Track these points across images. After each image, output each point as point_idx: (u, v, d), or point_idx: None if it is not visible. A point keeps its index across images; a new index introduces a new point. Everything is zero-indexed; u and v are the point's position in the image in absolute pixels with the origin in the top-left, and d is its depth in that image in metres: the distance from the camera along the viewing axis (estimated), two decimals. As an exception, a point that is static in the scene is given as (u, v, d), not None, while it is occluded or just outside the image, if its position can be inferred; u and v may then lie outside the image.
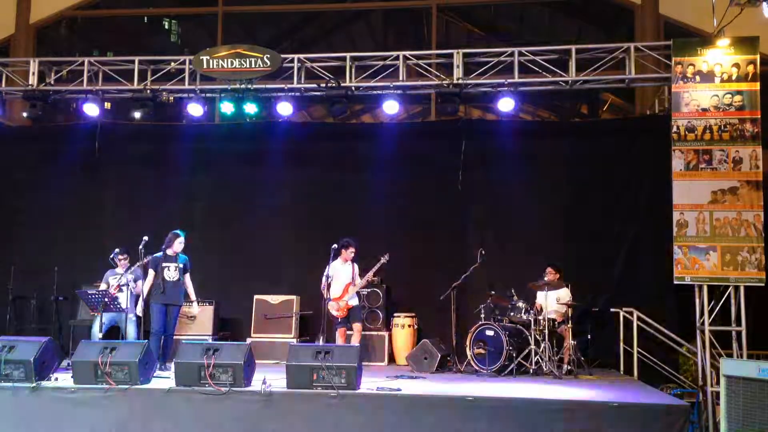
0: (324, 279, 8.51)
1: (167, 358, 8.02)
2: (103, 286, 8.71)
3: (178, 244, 8.30)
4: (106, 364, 6.75)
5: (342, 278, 8.68)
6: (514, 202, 10.12)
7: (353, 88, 9.46)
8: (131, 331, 8.51)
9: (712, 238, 8.33)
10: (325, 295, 8.54)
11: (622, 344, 8.91)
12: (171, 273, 8.21)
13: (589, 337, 8.90)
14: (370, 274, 8.83)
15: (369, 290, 9.66)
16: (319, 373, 6.62)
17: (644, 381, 8.28)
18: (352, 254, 8.74)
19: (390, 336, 9.71)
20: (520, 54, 9.10)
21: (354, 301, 8.76)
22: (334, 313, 8.60)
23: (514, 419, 6.37)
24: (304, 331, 9.95)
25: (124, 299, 8.40)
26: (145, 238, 8.09)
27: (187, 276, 8.40)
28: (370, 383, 7.09)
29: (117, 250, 8.69)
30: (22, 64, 10.25)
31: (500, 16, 12.64)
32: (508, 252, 9.87)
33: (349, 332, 8.80)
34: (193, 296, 8.45)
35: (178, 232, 8.37)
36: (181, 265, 8.29)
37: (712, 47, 8.53)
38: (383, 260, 8.73)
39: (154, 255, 8.22)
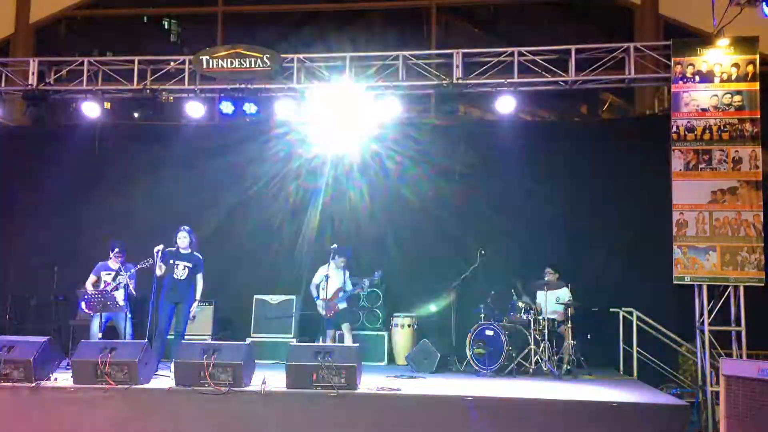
0: (324, 278, 8.56)
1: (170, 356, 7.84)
2: (92, 278, 8.67)
3: (180, 240, 8.22)
4: (105, 364, 6.76)
5: (335, 282, 8.74)
6: (513, 202, 10.12)
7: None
8: (128, 328, 8.43)
9: (712, 238, 8.32)
10: (314, 294, 8.62)
11: (622, 344, 8.91)
12: (179, 271, 8.16)
13: (588, 337, 8.90)
14: (358, 288, 8.95)
15: (369, 290, 9.65)
16: (319, 373, 6.63)
17: (644, 381, 8.30)
18: (343, 263, 8.80)
19: (389, 336, 9.71)
20: (520, 54, 9.09)
21: (342, 305, 8.80)
22: (322, 312, 8.64)
23: (514, 419, 6.38)
24: (304, 331, 9.95)
25: (120, 297, 8.40)
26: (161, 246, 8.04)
27: (199, 276, 8.27)
28: (370, 383, 7.10)
29: (113, 244, 8.64)
30: (21, 63, 10.23)
31: (500, 16, 12.64)
32: (507, 252, 9.86)
33: (339, 332, 8.87)
34: (197, 296, 8.28)
35: (181, 227, 8.28)
36: (190, 265, 8.20)
37: (712, 47, 8.52)
38: (375, 277, 8.87)
39: (168, 249, 8.15)
